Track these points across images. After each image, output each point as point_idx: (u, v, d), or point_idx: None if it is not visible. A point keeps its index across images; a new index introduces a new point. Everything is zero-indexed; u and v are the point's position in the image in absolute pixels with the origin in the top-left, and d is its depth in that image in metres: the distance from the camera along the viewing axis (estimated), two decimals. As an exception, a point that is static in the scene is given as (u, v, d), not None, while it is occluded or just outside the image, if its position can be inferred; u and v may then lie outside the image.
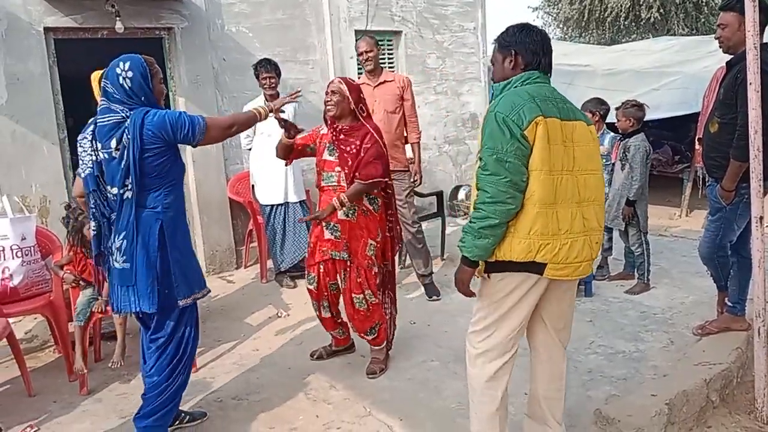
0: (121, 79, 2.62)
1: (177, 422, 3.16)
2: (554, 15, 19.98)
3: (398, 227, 3.85)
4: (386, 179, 3.59)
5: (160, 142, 2.60)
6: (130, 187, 2.58)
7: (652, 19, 16.07)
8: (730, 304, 3.70)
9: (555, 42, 13.34)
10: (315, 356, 3.89)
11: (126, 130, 2.56)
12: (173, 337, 2.77)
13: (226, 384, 3.66)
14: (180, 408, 3.25)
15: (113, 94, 2.62)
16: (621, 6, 16.22)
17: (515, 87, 2.35)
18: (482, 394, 2.50)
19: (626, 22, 16.54)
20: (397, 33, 7.05)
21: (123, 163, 2.56)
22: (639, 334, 4.01)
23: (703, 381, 3.11)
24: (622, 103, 4.82)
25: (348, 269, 3.57)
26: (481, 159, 2.28)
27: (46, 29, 4.77)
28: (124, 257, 2.64)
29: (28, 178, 4.71)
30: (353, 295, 3.56)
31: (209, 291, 3.01)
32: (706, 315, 4.03)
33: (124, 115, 2.59)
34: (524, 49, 2.38)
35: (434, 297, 4.81)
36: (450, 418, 3.14)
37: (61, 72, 4.95)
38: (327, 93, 3.52)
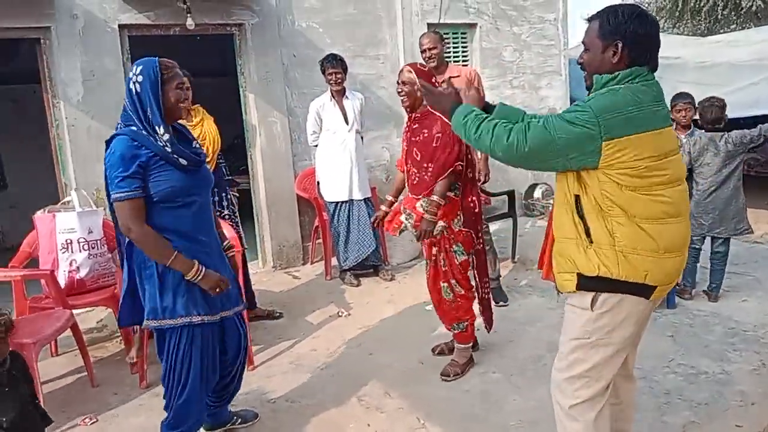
0: (132, 84, 2.52)
1: (229, 424, 3.12)
2: (646, 5, 19.00)
3: (480, 211, 3.62)
4: (460, 163, 3.37)
5: None
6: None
7: (754, 8, 14.91)
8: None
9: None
10: (437, 351, 3.81)
11: None
12: (162, 356, 2.68)
13: (281, 384, 3.60)
14: (232, 408, 3.23)
15: (125, 101, 2.55)
16: (719, -6, 15.19)
17: (622, 84, 2.00)
18: None
19: (724, 12, 15.44)
20: (472, 26, 6.81)
21: (106, 182, 2.55)
22: (726, 353, 3.65)
23: (799, 413, 2.78)
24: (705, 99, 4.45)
25: (434, 260, 3.46)
26: (538, 120, 2.01)
27: (121, 26, 4.88)
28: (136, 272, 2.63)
29: (102, 172, 4.82)
30: (441, 284, 3.47)
31: (196, 320, 2.65)
32: (806, 335, 3.63)
33: (114, 131, 2.55)
34: (634, 43, 1.99)
35: (501, 303, 4.59)
36: (508, 436, 2.95)
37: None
38: (398, 83, 3.41)
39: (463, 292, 3.47)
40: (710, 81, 7.46)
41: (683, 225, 2.07)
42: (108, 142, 2.55)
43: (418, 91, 3.31)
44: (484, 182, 4.84)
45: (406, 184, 3.56)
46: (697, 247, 4.49)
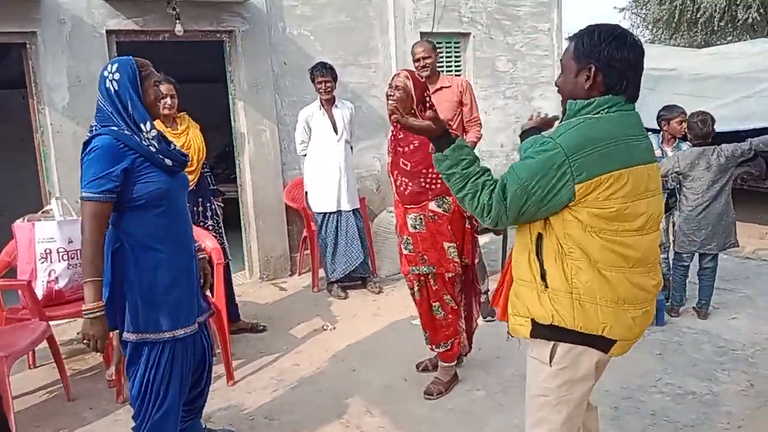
0: (107, 82, 2.44)
1: (203, 441, 3.05)
2: (642, 16, 19.01)
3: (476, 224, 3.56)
4: None
5: None
6: None
7: (750, 20, 14.93)
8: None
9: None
10: (421, 368, 3.74)
11: None
12: (135, 372, 2.56)
13: (261, 400, 3.53)
14: (210, 425, 3.16)
15: (99, 101, 2.46)
16: (716, 6, 15.17)
17: (597, 113, 1.83)
18: None
19: (721, 24, 15.45)
20: (465, 35, 6.77)
21: None
22: (714, 372, 3.59)
23: (786, 438, 2.71)
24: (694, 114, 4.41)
25: (424, 281, 3.38)
26: (505, 179, 1.84)
27: (109, 32, 4.82)
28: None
29: (86, 179, 4.77)
30: (432, 303, 3.39)
31: (177, 334, 2.59)
32: (796, 356, 3.57)
33: (90, 134, 2.44)
34: (609, 68, 1.82)
35: (489, 318, 4.52)
36: (489, 458, 2.88)
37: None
38: (390, 86, 3.25)
39: (455, 306, 3.40)
40: (705, 93, 7.44)
41: (649, 276, 1.90)
42: (86, 143, 2.45)
43: (408, 98, 3.21)
44: None
45: (394, 193, 3.45)
46: (686, 263, 4.44)
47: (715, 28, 15.82)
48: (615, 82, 1.83)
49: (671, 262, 4.61)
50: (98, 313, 2.37)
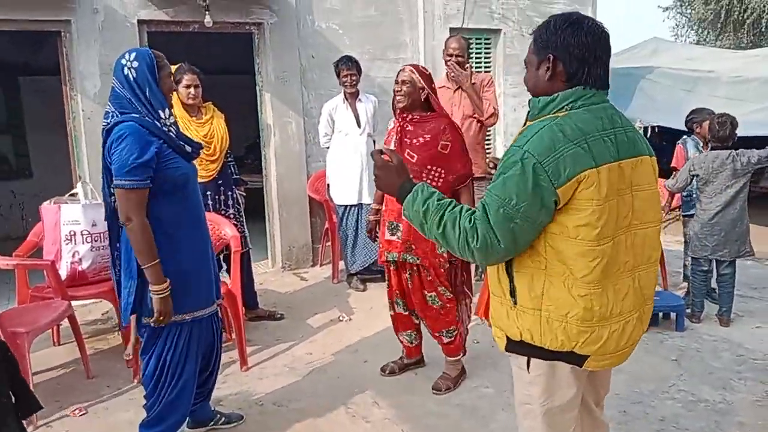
0: (126, 69, 2.49)
1: (212, 423, 3.12)
2: (687, 16, 18.57)
3: None
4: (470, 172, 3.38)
5: None
6: (113, 193, 2.51)
7: (800, 21, 14.49)
8: None
9: (679, 45, 12.33)
10: (387, 371, 3.69)
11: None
12: (152, 354, 2.64)
13: (272, 386, 3.59)
14: (220, 408, 3.23)
15: (116, 88, 2.52)
16: (764, 6, 14.74)
17: (562, 110, 1.73)
18: None
19: (769, 24, 15.03)
20: (496, 31, 6.72)
21: (103, 169, 2.53)
22: (730, 381, 3.52)
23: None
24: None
25: (417, 268, 3.36)
26: (486, 203, 1.70)
27: (140, 21, 4.94)
28: (121, 265, 2.61)
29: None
30: (425, 293, 3.37)
31: (196, 315, 2.69)
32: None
33: (108, 121, 2.50)
34: (566, 54, 1.72)
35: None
36: (490, 454, 2.88)
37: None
38: (396, 82, 3.32)
39: (451, 296, 3.38)
40: (743, 96, 7.24)
41: (637, 281, 1.78)
42: (109, 130, 2.50)
43: (419, 91, 3.27)
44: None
45: None
46: (704, 268, 4.35)
47: (763, 29, 15.38)
48: (575, 70, 1.73)
49: (690, 267, 4.52)
50: (167, 292, 2.51)
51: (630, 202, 1.73)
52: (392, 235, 3.39)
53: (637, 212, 1.75)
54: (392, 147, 3.36)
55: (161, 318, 2.52)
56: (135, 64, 2.51)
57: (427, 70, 3.43)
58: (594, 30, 1.75)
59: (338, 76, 5.03)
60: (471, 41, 6.56)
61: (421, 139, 3.28)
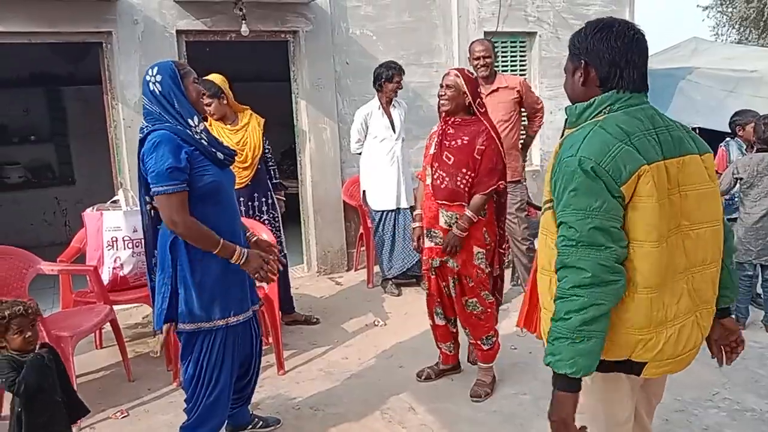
0: (151, 85, 2.55)
1: (250, 427, 3.15)
2: (729, 14, 18.14)
3: (506, 234, 3.63)
4: (504, 182, 3.35)
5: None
6: (149, 201, 2.57)
7: None
8: None
9: (720, 45, 12.04)
10: (423, 377, 3.68)
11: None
12: (189, 358, 2.68)
13: (308, 391, 3.61)
14: (258, 412, 3.26)
15: (146, 105, 2.58)
16: (809, 3, 14.32)
17: (600, 114, 1.72)
18: None
19: (815, 22, 14.58)
20: (531, 34, 6.67)
21: (139, 177, 2.59)
22: (777, 390, 3.41)
23: None
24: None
25: (458, 276, 3.36)
26: (561, 224, 1.65)
27: (179, 32, 5.04)
28: (156, 272, 2.66)
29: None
30: (467, 299, 3.37)
31: (230, 321, 2.72)
32: None
33: (144, 133, 2.55)
34: (598, 59, 1.74)
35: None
36: (528, 462, 2.84)
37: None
38: (441, 86, 3.34)
39: (492, 300, 3.40)
40: (788, 97, 7.02)
41: (693, 282, 1.72)
42: (142, 140, 2.56)
43: (463, 96, 3.28)
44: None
45: (429, 186, 3.42)
46: (750, 273, 4.23)
47: (808, 27, 14.95)
48: (607, 74, 1.74)
49: None
50: (245, 256, 2.63)
51: (678, 202, 1.68)
52: (431, 241, 3.40)
53: (686, 213, 1.70)
54: (432, 150, 3.38)
55: (260, 271, 2.66)
56: (159, 77, 2.56)
57: (472, 74, 3.43)
58: (625, 33, 1.73)
59: (386, 81, 4.99)
60: (506, 44, 6.56)
61: (459, 141, 3.29)
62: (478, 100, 3.34)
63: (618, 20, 1.79)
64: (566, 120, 1.82)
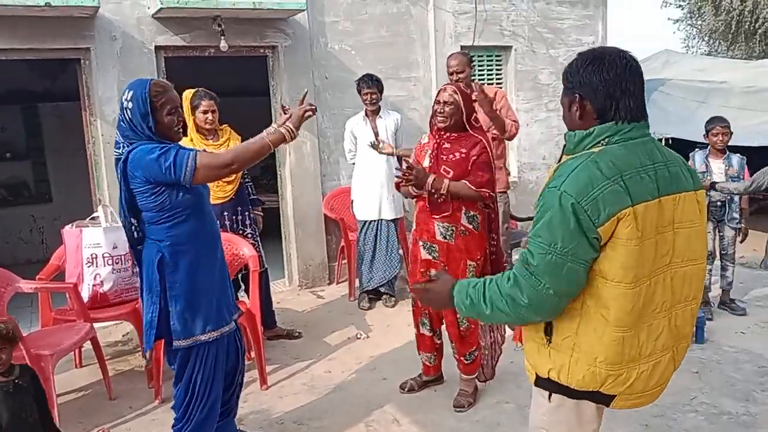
0: (125, 111, 2.51)
1: (233, 442, 3.14)
2: (698, 27, 18.56)
3: (501, 247, 3.66)
4: (491, 192, 3.37)
5: (143, 182, 2.47)
6: (134, 222, 2.56)
7: (812, 31, 14.44)
8: None
9: (688, 56, 12.32)
10: (406, 388, 3.70)
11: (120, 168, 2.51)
12: (181, 377, 2.68)
13: (292, 405, 3.61)
14: (241, 427, 3.25)
15: (120, 123, 2.56)
16: (775, 16, 14.73)
17: (597, 144, 1.69)
18: None
19: (781, 34, 14.99)
20: (507, 48, 6.77)
21: (121, 198, 2.55)
22: (753, 393, 3.49)
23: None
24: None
25: None
26: (530, 244, 1.68)
27: (157, 48, 5.04)
28: (143, 290, 2.65)
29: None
30: (457, 315, 3.38)
31: (223, 332, 2.74)
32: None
33: (120, 151, 2.53)
34: (592, 92, 1.70)
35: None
36: (512, 471, 2.87)
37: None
38: (439, 102, 3.36)
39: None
40: (756, 106, 7.24)
41: (674, 320, 1.73)
42: (125, 160, 2.51)
43: (461, 112, 3.32)
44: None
45: (424, 202, 3.43)
46: None
47: (775, 39, 15.35)
48: (603, 106, 1.70)
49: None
50: (281, 129, 2.61)
51: (671, 239, 1.68)
52: (429, 254, 3.43)
53: (678, 250, 1.69)
54: (427, 164, 3.41)
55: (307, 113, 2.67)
56: (130, 105, 2.50)
57: (467, 89, 3.48)
58: (617, 63, 1.70)
59: (360, 93, 5.12)
60: (482, 58, 6.65)
61: (457, 155, 3.33)
62: (474, 115, 3.40)
63: (609, 49, 1.77)
64: (564, 146, 1.80)
